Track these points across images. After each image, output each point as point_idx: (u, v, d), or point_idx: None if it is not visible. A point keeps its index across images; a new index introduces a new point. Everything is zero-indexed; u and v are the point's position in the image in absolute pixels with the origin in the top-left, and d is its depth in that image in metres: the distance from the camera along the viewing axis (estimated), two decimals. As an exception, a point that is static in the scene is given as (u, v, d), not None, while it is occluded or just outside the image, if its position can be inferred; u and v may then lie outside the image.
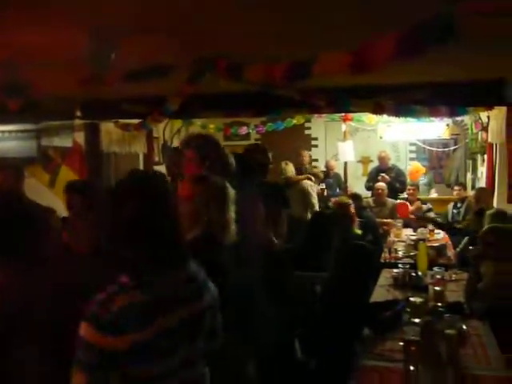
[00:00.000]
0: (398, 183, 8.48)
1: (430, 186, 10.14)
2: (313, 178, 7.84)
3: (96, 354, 1.53)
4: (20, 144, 6.06)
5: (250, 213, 2.86)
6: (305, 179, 7.32)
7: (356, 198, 6.62)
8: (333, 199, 8.37)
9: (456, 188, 7.82)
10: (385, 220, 7.51)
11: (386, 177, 8.27)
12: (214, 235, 2.40)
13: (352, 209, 5.52)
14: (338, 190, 9.20)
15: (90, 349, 1.53)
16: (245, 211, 2.71)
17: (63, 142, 6.44)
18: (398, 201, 8.18)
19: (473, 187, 8.73)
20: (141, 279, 1.62)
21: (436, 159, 10.69)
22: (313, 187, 7.34)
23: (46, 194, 5.64)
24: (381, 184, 7.96)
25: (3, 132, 5.97)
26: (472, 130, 8.98)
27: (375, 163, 9.49)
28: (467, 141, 9.61)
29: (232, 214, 2.47)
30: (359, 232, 5.69)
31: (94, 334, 1.53)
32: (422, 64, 2.94)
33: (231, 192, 2.50)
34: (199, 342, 1.76)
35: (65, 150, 6.48)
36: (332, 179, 9.24)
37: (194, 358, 1.75)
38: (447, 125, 9.15)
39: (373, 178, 8.59)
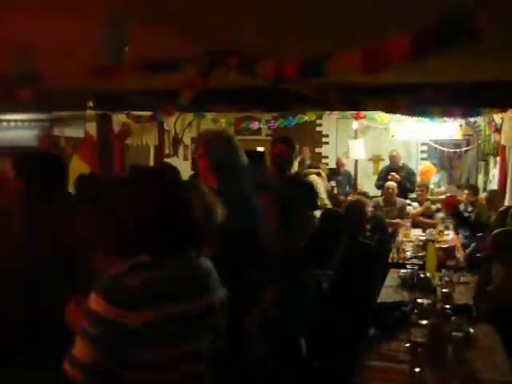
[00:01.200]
0: (408, 183, 8.43)
1: (439, 185, 10.07)
2: (323, 174, 7.78)
3: (105, 328, 1.53)
4: (31, 133, 6.07)
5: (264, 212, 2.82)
6: (314, 174, 7.27)
7: (365, 196, 6.59)
8: (342, 197, 8.35)
9: (465, 192, 7.69)
10: (393, 220, 7.47)
11: (397, 176, 8.23)
12: None
13: (367, 209, 5.36)
14: (348, 187, 9.16)
15: (100, 322, 1.53)
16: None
17: (75, 132, 6.44)
18: (408, 201, 8.11)
19: (484, 189, 8.65)
20: (161, 259, 1.64)
21: (447, 159, 10.61)
22: (320, 184, 7.28)
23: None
24: (391, 183, 7.91)
25: (15, 121, 5.99)
26: (485, 131, 8.90)
27: (386, 162, 9.45)
28: (480, 142, 9.53)
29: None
30: (367, 233, 5.62)
31: (108, 307, 1.53)
32: (436, 63, 2.91)
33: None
34: (203, 339, 1.75)
35: (76, 141, 6.49)
36: (342, 176, 9.20)
37: (197, 354, 1.74)
38: (460, 125, 9.09)
39: (383, 176, 8.55)
